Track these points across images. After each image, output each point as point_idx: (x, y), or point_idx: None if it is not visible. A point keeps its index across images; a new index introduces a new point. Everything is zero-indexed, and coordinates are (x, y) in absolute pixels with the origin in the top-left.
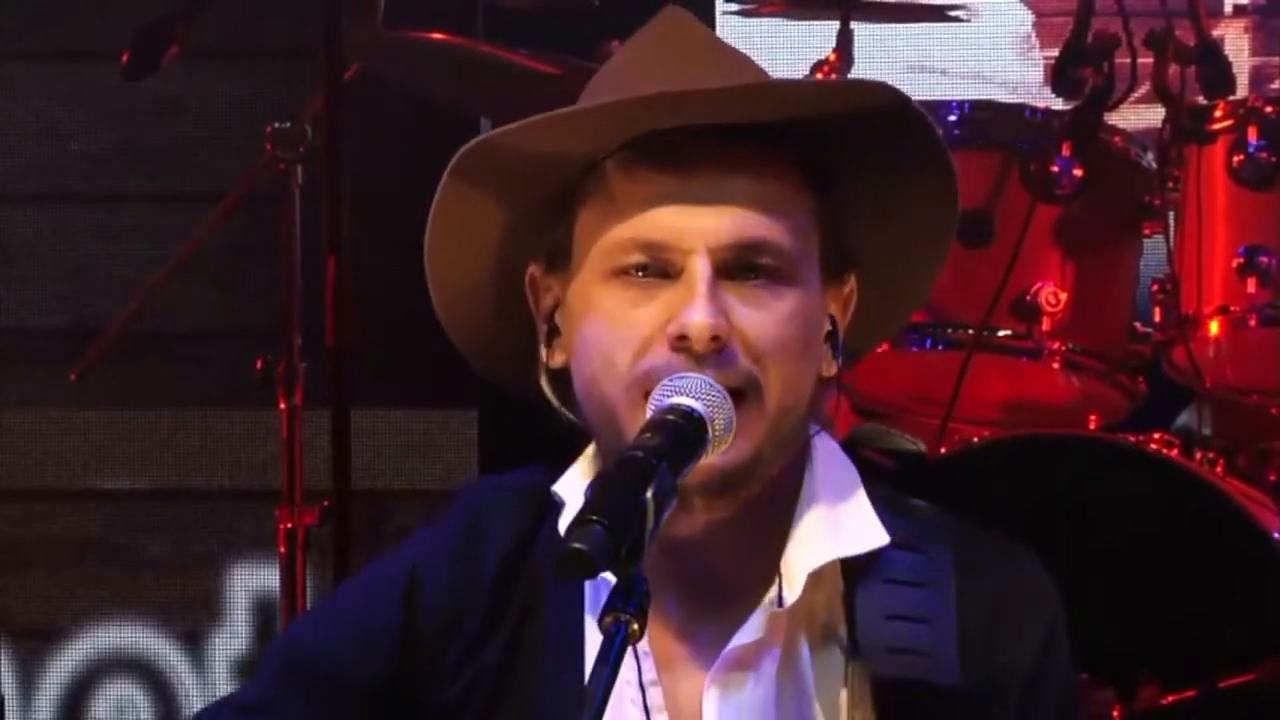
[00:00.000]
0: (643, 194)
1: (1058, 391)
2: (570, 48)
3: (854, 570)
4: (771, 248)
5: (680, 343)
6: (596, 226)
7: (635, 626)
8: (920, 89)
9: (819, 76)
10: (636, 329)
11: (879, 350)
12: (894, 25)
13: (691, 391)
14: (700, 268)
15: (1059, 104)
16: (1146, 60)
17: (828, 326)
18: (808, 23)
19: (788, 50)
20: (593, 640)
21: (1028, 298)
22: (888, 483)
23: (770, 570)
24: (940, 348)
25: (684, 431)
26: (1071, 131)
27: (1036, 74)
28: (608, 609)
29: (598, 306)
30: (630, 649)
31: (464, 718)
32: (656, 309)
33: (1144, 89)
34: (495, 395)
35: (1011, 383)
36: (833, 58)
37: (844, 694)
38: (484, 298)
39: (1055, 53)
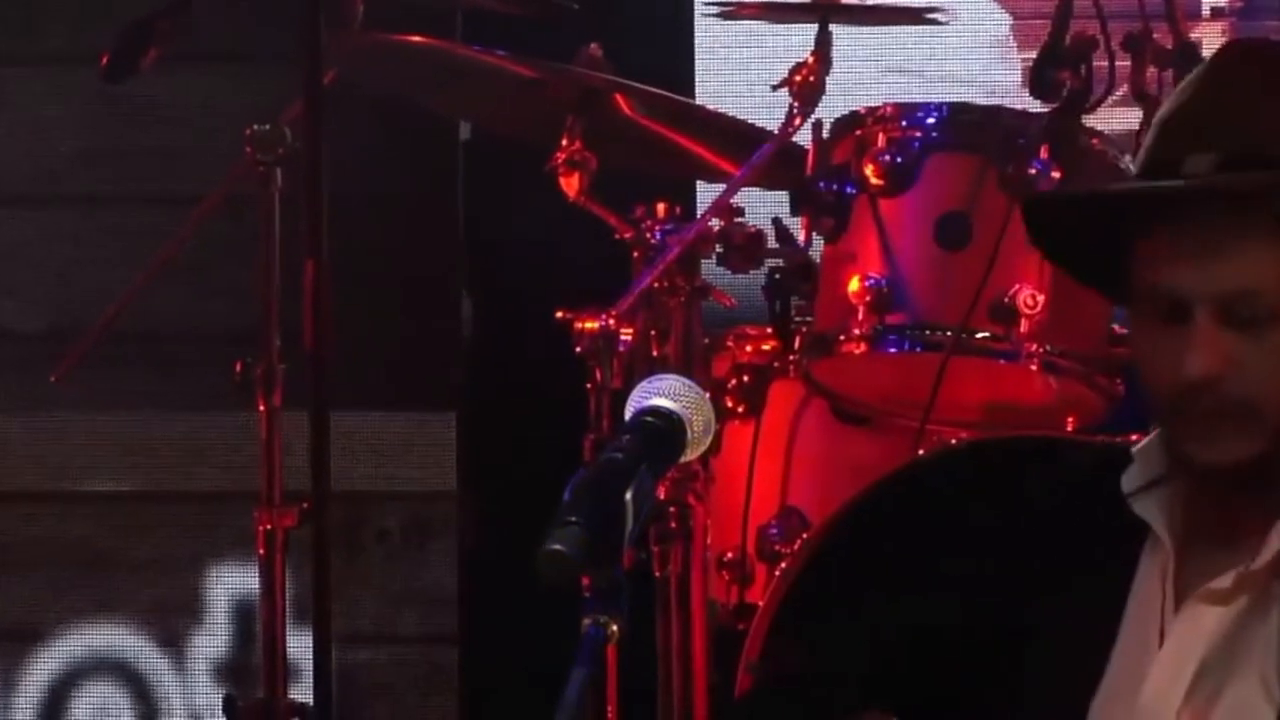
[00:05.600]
0: (1160, 250)
1: (1036, 393)
2: (550, 51)
3: None
4: (1264, 293)
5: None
6: (1139, 262)
7: (614, 629)
8: (898, 91)
9: (797, 80)
10: (1155, 367)
11: (857, 352)
12: (872, 28)
13: (670, 393)
14: (1199, 316)
15: (1037, 106)
16: (1124, 63)
17: None
18: (786, 25)
19: (766, 52)
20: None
21: (1006, 300)
22: None
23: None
24: (918, 350)
25: (663, 433)
26: (1049, 134)
27: (1014, 76)
28: (587, 611)
29: (1135, 331)
30: (1162, 573)
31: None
32: (1168, 348)
33: (1121, 91)
34: (474, 397)
35: (989, 385)
36: (811, 60)
37: None
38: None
39: (1033, 55)
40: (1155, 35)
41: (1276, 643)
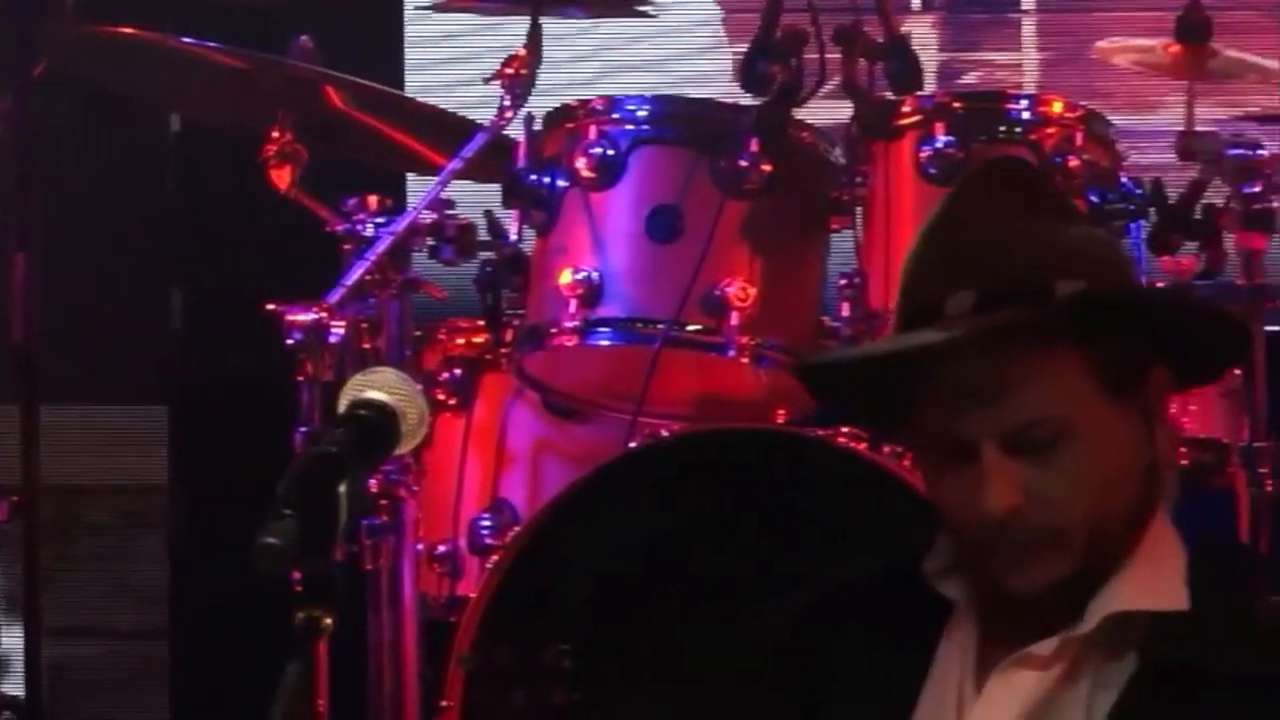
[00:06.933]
0: (936, 395)
1: (746, 385)
2: (262, 43)
3: (1163, 633)
4: (1044, 421)
5: (985, 518)
6: (919, 409)
7: (327, 621)
8: (609, 84)
9: (508, 72)
10: (954, 507)
11: (568, 345)
12: (583, 20)
13: (383, 386)
14: (987, 454)
15: (747, 99)
16: (835, 56)
17: (1139, 429)
18: (498, 18)
19: (477, 46)
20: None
21: (717, 293)
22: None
23: (1080, 613)
24: (629, 342)
25: (376, 426)
26: (759, 127)
27: (724, 69)
28: (299, 605)
29: (927, 473)
30: (962, 649)
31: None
32: (962, 489)
33: (832, 84)
34: (186, 392)
35: (701, 377)
36: (522, 52)
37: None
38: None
39: (743, 48)
40: (866, 28)
41: (1085, 712)
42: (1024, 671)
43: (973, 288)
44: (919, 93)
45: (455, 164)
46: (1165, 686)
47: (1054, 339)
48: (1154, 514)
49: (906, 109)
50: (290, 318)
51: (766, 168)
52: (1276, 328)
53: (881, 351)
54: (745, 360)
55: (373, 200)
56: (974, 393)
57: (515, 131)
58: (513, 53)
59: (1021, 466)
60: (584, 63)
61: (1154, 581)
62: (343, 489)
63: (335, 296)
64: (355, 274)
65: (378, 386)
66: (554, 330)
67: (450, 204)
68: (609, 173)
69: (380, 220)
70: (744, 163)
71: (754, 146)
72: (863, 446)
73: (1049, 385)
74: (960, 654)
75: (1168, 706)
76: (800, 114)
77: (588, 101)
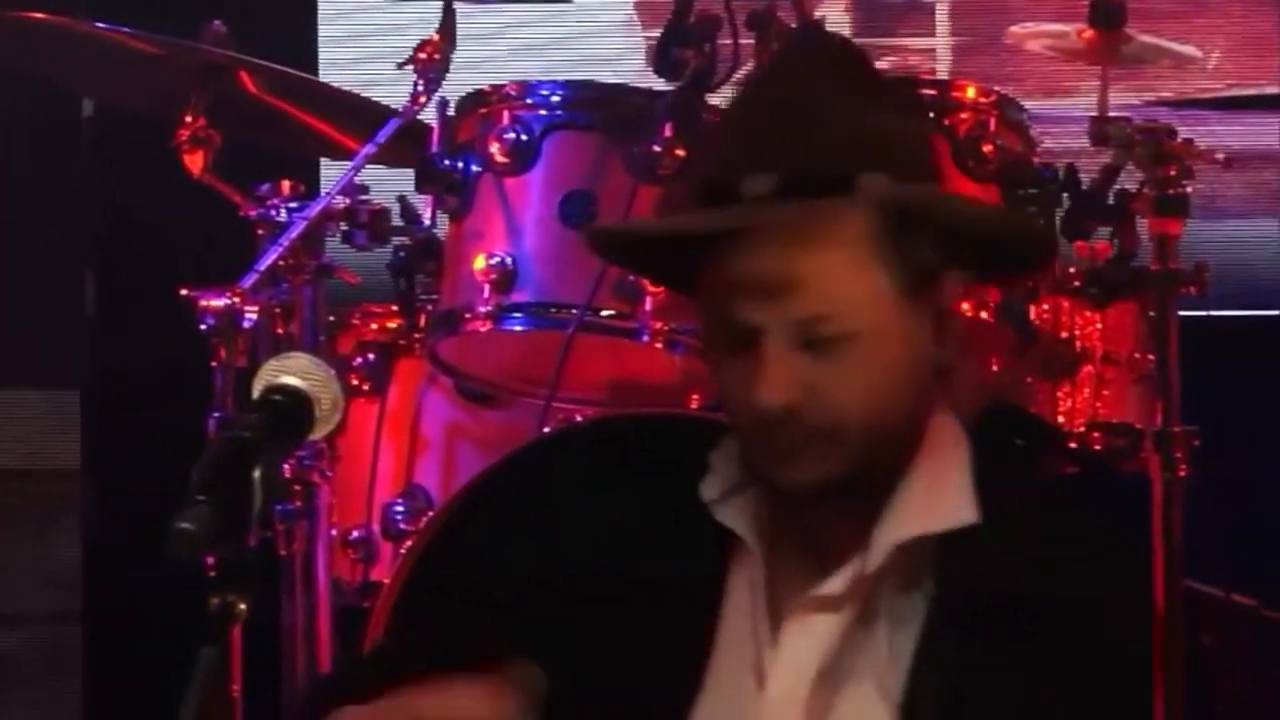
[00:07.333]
0: (724, 279)
1: (660, 370)
2: (174, 27)
3: (953, 556)
4: (831, 318)
5: (759, 411)
6: (706, 291)
7: (241, 607)
8: (523, 69)
9: (422, 56)
10: (731, 394)
11: (481, 329)
12: (497, 5)
13: (297, 371)
14: (769, 345)
15: (661, 85)
16: (748, 41)
17: (927, 331)
18: (411, 2)
19: (391, 30)
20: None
21: (630, 277)
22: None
23: (867, 539)
24: (542, 327)
25: (290, 411)
26: (673, 112)
27: (638, 55)
28: (213, 590)
29: (709, 357)
30: (751, 583)
31: None
32: (741, 377)
33: (746, 69)
34: (99, 375)
35: (614, 362)
36: (436, 37)
37: (914, 648)
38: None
39: (657, 33)
40: (779, 13)
41: (886, 648)
42: (818, 616)
43: (773, 171)
44: None
45: (369, 149)
46: (962, 614)
47: (850, 235)
48: (936, 413)
49: None
50: (204, 303)
51: (680, 152)
52: (1190, 312)
53: (670, 230)
54: (659, 345)
55: (286, 185)
56: (761, 283)
57: (429, 116)
58: (426, 37)
59: (803, 362)
60: (496, 47)
61: (939, 495)
62: (257, 474)
63: (249, 281)
64: (269, 259)
65: (292, 372)
66: (467, 315)
67: (364, 189)
68: (522, 158)
69: (294, 205)
70: (657, 148)
71: (668, 132)
72: None
73: (839, 282)
74: (750, 592)
75: (968, 637)
76: (714, 99)
77: (501, 86)
